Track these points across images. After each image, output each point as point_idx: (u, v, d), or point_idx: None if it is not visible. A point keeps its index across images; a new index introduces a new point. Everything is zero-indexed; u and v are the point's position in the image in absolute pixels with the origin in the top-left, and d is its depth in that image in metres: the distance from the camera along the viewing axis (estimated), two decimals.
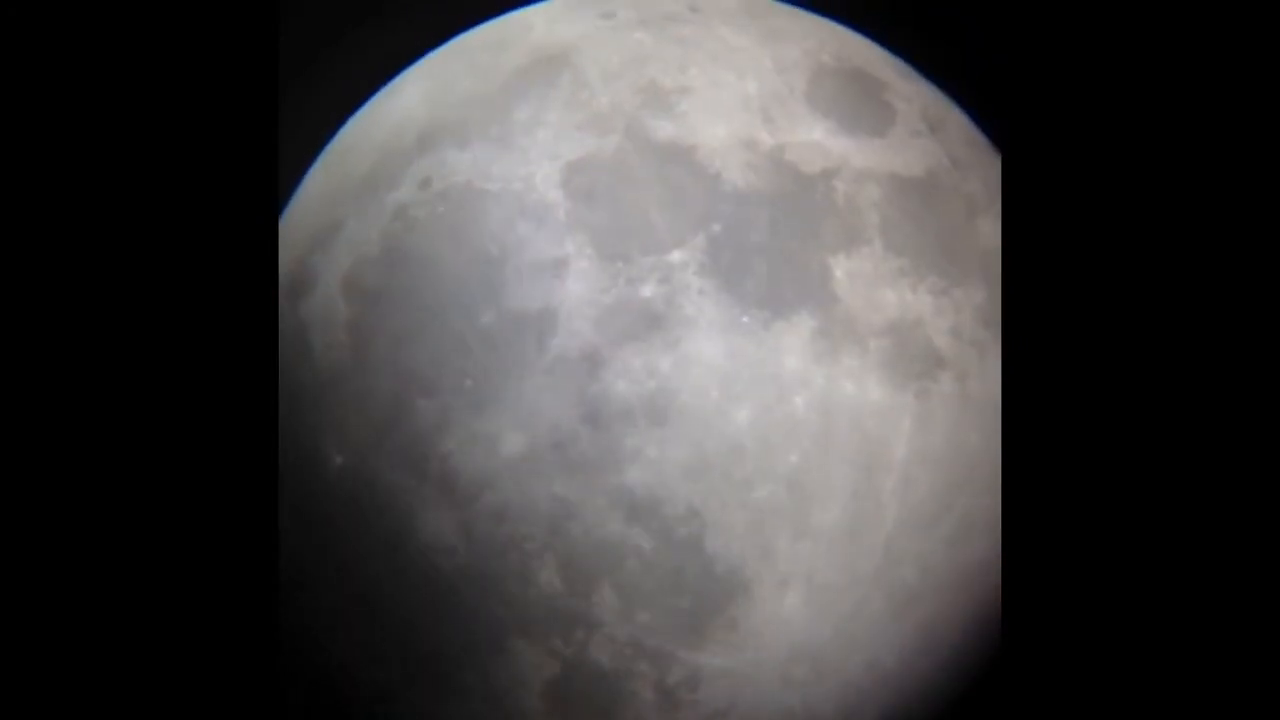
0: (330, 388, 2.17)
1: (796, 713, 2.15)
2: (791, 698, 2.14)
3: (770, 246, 2.10)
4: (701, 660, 2.10)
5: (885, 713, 2.20)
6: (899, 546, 2.11)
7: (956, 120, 2.39)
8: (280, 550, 2.21)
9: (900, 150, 2.25)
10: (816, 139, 2.20)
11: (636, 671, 2.10)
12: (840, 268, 2.12)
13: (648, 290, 2.07)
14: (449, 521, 2.08)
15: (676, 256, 2.08)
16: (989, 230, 2.26)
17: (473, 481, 2.06)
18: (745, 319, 2.07)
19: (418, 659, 2.16)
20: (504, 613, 2.09)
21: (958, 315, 2.17)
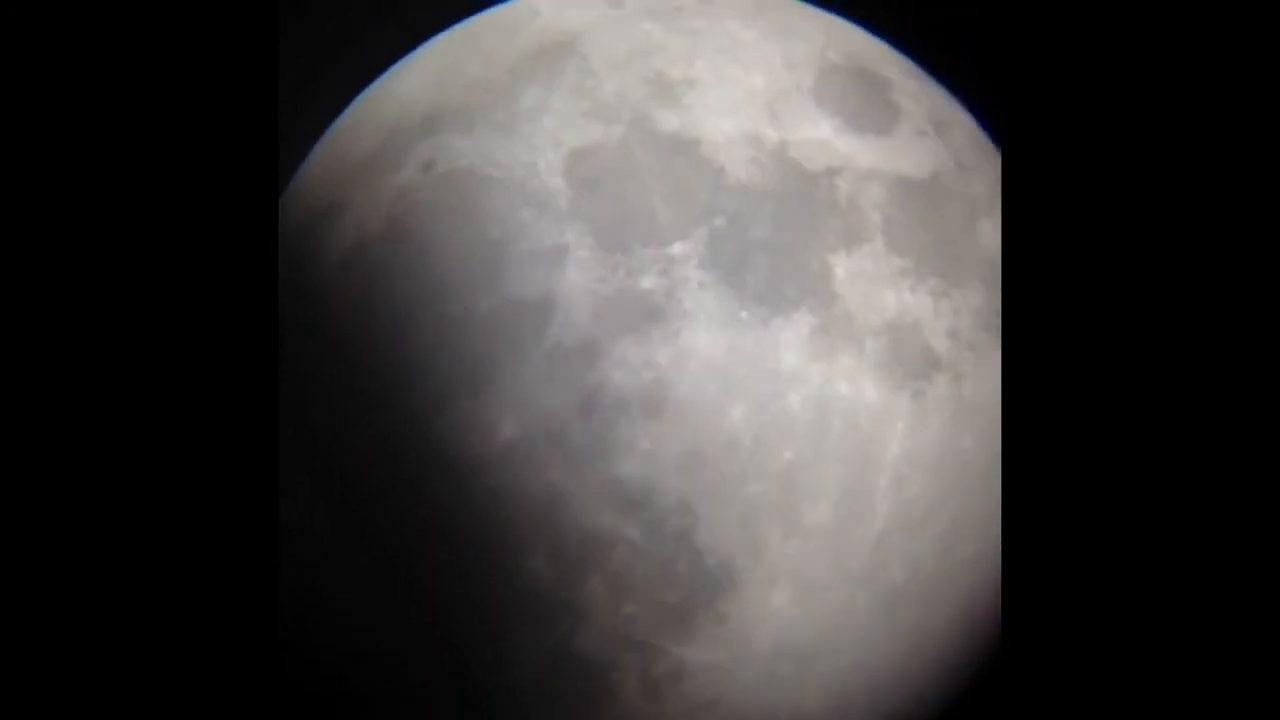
0: (329, 367, 2.17)
1: (781, 710, 2.15)
2: (776, 694, 2.14)
3: (772, 243, 2.10)
4: (688, 654, 2.10)
5: (871, 713, 2.20)
6: (889, 547, 2.11)
7: (962, 122, 2.39)
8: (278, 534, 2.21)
9: (905, 151, 2.24)
10: (821, 136, 2.19)
11: (622, 662, 2.10)
12: (841, 266, 2.12)
13: (647, 282, 2.07)
14: (441, 506, 2.08)
15: (678, 249, 2.08)
16: (991, 233, 2.26)
17: (465, 467, 2.06)
18: (744, 314, 2.07)
19: (404, 643, 2.16)
20: (492, 599, 2.09)
21: (956, 318, 2.17)
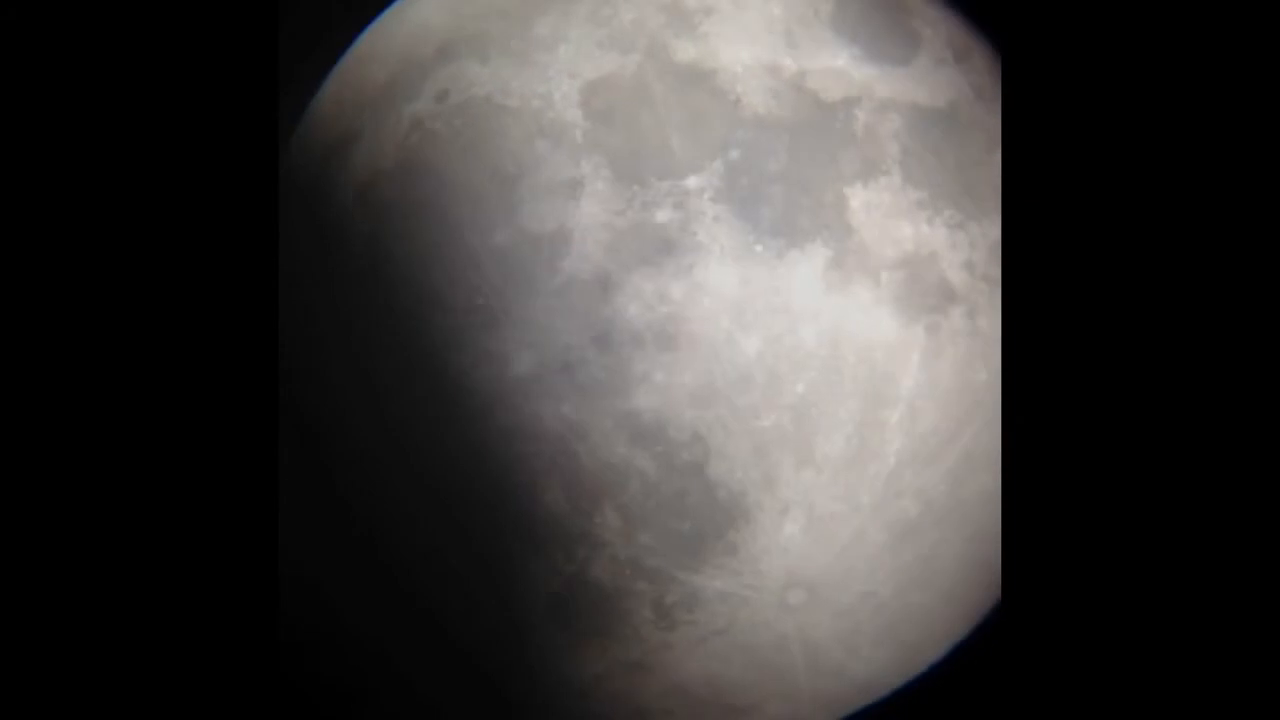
0: (345, 301, 2.18)
1: (791, 637, 2.19)
2: (787, 623, 2.17)
3: (787, 175, 2.09)
4: (700, 582, 2.13)
5: (879, 642, 2.24)
6: (900, 479, 2.13)
7: (981, 50, 2.36)
8: (287, 468, 2.24)
9: (923, 80, 2.22)
10: (839, 65, 2.17)
11: (636, 590, 2.14)
12: (857, 198, 2.11)
13: (662, 215, 2.06)
14: (458, 438, 2.10)
15: (693, 182, 2.07)
16: None
17: (482, 399, 2.08)
18: (759, 247, 2.07)
19: (423, 573, 2.20)
20: (508, 529, 2.12)
21: (972, 250, 2.17)
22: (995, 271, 2.18)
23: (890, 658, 2.27)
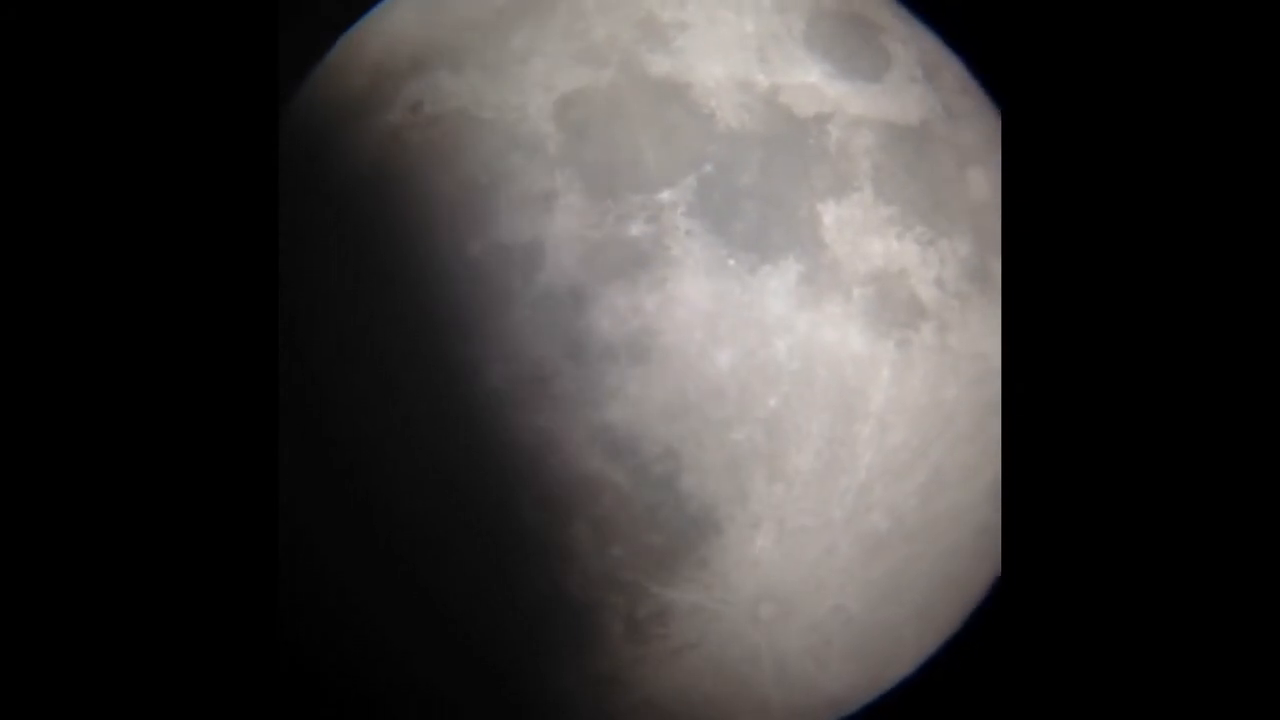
0: (320, 310, 2.17)
1: (762, 651, 2.19)
2: (758, 636, 2.18)
3: (760, 190, 2.10)
4: (672, 596, 2.13)
5: (850, 655, 2.25)
6: (871, 494, 2.14)
7: (952, 68, 2.38)
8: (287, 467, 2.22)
9: (895, 97, 2.24)
10: (812, 82, 2.19)
11: (607, 604, 2.13)
12: (829, 214, 2.12)
13: (635, 229, 2.07)
14: (430, 451, 2.10)
15: (666, 196, 2.08)
16: (979, 181, 2.26)
17: (454, 412, 2.08)
18: (731, 262, 2.08)
19: (393, 588, 2.19)
20: (479, 543, 2.11)
21: (943, 266, 2.18)
22: (966, 288, 2.20)
23: (860, 672, 2.28)
